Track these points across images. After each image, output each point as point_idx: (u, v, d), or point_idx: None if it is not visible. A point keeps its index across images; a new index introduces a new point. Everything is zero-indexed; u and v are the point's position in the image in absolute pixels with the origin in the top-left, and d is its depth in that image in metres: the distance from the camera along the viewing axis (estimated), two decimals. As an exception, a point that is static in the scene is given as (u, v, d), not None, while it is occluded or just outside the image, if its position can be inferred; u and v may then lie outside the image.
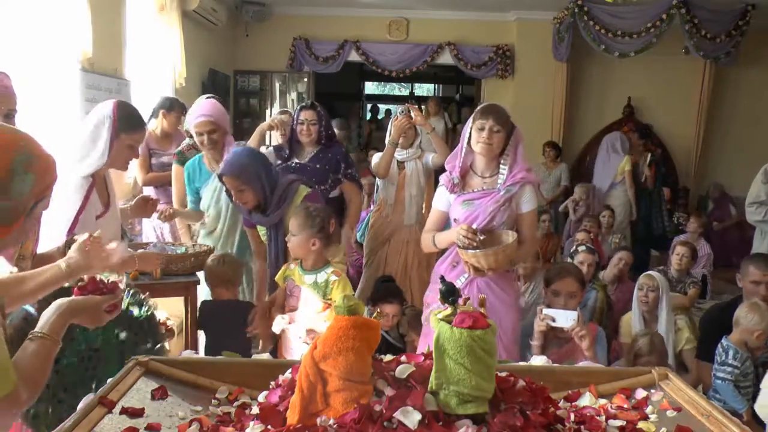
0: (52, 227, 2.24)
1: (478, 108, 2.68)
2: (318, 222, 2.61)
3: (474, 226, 2.56)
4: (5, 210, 1.20)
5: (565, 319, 2.53)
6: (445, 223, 2.76)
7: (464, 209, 2.64)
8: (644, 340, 3.07)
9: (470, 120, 2.67)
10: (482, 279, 2.58)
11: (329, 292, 2.60)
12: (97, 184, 2.43)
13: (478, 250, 2.48)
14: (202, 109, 3.32)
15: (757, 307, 2.89)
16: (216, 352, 2.96)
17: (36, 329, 1.29)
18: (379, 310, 2.80)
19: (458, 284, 2.62)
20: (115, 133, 2.34)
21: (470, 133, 2.64)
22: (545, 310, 2.58)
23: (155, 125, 4.25)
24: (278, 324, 2.66)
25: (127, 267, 2.43)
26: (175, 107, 4.25)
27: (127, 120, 2.39)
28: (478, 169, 2.69)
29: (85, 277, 1.53)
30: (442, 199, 2.73)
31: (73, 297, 1.40)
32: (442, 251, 2.81)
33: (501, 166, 2.64)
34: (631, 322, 3.64)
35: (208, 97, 3.73)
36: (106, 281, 1.46)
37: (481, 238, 2.54)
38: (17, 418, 1.28)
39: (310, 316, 2.64)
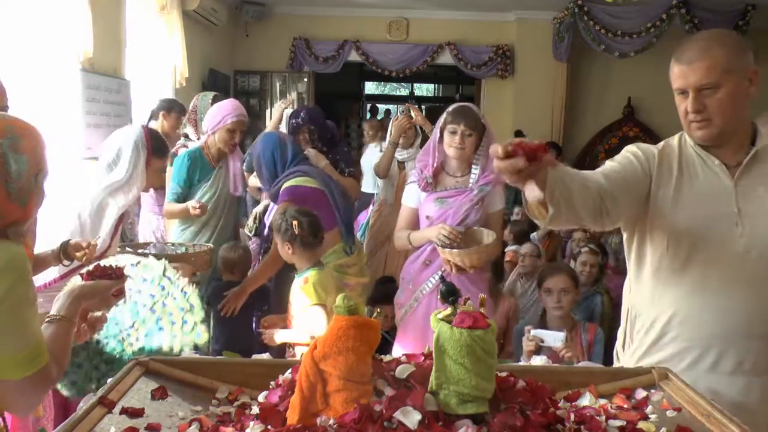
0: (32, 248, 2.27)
1: (449, 109, 2.66)
2: (283, 225, 2.60)
3: (449, 224, 2.56)
4: (17, 191, 1.27)
5: (553, 339, 2.53)
6: (416, 220, 2.75)
7: (437, 207, 2.64)
8: None
9: (441, 121, 2.66)
10: (456, 277, 2.56)
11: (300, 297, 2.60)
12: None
13: (462, 249, 2.48)
14: (237, 108, 3.35)
15: None
16: (223, 326, 3.15)
17: (52, 312, 1.37)
18: (379, 310, 2.80)
19: (432, 282, 2.63)
20: (149, 159, 2.43)
21: (441, 133, 2.64)
22: (533, 332, 2.57)
23: (155, 127, 4.25)
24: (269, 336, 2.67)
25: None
26: (174, 108, 4.26)
27: (158, 145, 2.49)
28: (450, 169, 2.70)
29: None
30: (413, 196, 2.73)
31: (83, 282, 1.49)
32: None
33: (473, 165, 2.65)
34: None
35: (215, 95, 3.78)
36: (113, 267, 1.55)
37: (460, 235, 2.55)
38: (47, 392, 1.40)
39: (295, 317, 2.65)
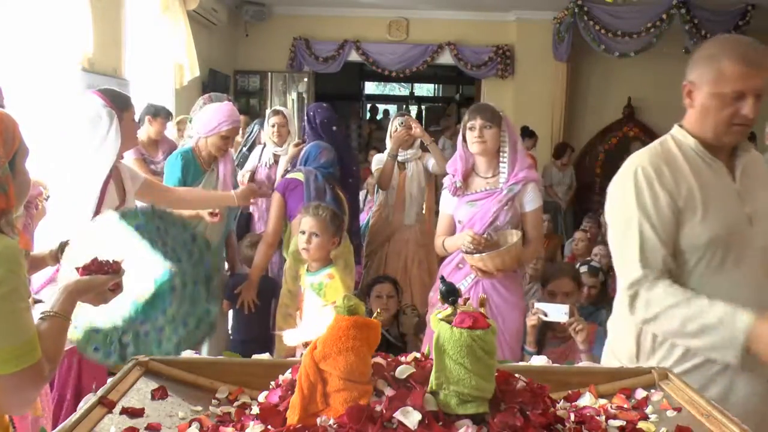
0: (73, 222, 2.29)
1: (468, 109, 2.72)
2: (339, 222, 2.72)
3: (477, 227, 2.57)
4: None
5: (557, 312, 2.50)
6: (454, 226, 2.77)
7: (468, 210, 2.65)
8: None
9: (462, 124, 2.71)
10: (488, 280, 2.58)
11: (323, 295, 2.61)
12: (114, 177, 2.49)
13: (484, 254, 2.48)
14: (232, 114, 3.33)
15: None
16: (242, 320, 3.29)
17: (46, 309, 1.34)
18: (379, 310, 2.81)
19: (464, 285, 2.63)
20: (120, 116, 2.43)
21: (464, 137, 2.67)
22: (537, 304, 2.56)
23: (142, 133, 4.27)
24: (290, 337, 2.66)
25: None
26: (160, 113, 4.29)
27: (119, 100, 2.49)
28: (480, 170, 2.71)
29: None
30: (447, 202, 2.75)
31: (78, 277, 1.44)
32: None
33: (501, 164, 2.64)
34: None
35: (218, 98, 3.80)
36: (109, 261, 1.50)
37: (484, 241, 2.54)
38: (39, 392, 1.34)
39: (309, 318, 2.65)
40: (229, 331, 3.66)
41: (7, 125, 1.27)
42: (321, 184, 3.20)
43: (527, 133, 6.86)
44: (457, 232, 2.70)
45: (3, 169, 1.24)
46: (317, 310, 2.62)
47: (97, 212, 2.37)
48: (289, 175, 3.33)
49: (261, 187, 4.11)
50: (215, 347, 3.32)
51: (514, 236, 2.54)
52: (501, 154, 2.63)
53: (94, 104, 2.41)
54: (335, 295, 2.58)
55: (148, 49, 5.06)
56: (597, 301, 3.52)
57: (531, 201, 2.65)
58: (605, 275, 3.74)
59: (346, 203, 3.33)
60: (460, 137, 2.71)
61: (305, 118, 3.69)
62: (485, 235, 2.55)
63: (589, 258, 4.16)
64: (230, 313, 3.50)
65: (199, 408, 1.29)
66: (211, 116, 3.28)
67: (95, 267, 1.48)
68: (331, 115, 3.61)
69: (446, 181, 2.75)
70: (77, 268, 1.48)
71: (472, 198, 2.66)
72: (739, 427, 1.15)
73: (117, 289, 1.52)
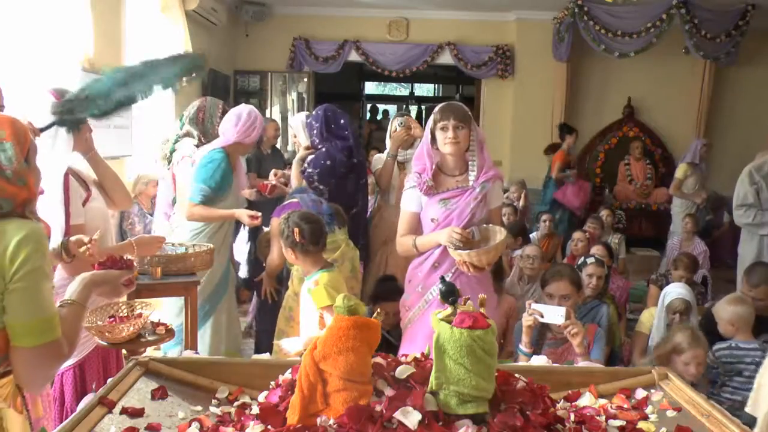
0: (50, 226, 2.29)
1: (436, 109, 2.67)
2: (285, 231, 2.66)
3: (455, 224, 2.56)
4: (14, 175, 1.37)
5: (553, 314, 2.48)
6: (418, 225, 2.73)
7: (442, 208, 2.63)
8: (683, 335, 2.80)
9: (430, 122, 2.65)
10: (464, 277, 2.56)
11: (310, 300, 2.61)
12: (71, 172, 2.48)
13: (479, 249, 2.47)
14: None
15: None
16: (265, 310, 3.41)
17: (65, 297, 1.47)
18: (379, 310, 2.80)
19: None
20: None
21: (432, 134, 2.64)
22: (534, 305, 2.55)
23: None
24: (290, 345, 2.66)
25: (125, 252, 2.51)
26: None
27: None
28: (447, 169, 2.69)
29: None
30: (413, 200, 2.70)
31: (94, 271, 1.59)
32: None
33: (469, 163, 2.65)
34: (655, 314, 3.54)
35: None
36: (123, 258, 1.65)
37: (477, 238, 2.54)
38: (58, 369, 1.48)
39: (304, 322, 2.65)
40: (253, 323, 3.72)
41: (18, 128, 1.42)
42: (316, 198, 3.30)
43: (567, 130, 6.86)
44: (429, 230, 2.66)
45: (21, 164, 1.39)
46: (310, 314, 2.61)
47: (66, 209, 2.38)
48: (292, 200, 3.41)
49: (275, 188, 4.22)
50: (218, 344, 3.33)
51: (500, 233, 2.54)
52: (468, 153, 2.65)
53: (47, 102, 2.42)
54: (319, 301, 2.56)
55: (148, 49, 5.05)
56: (600, 294, 3.55)
57: (497, 198, 2.71)
58: (608, 269, 3.80)
59: (343, 212, 3.34)
60: (427, 135, 2.68)
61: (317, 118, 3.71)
62: (469, 231, 2.55)
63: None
64: (252, 304, 3.65)
65: (199, 408, 1.29)
66: (253, 124, 3.33)
67: (110, 263, 1.61)
68: (340, 118, 3.66)
69: (412, 179, 2.70)
70: (93, 264, 1.64)
71: (445, 196, 2.64)
72: (739, 427, 1.15)
73: (130, 284, 1.64)
